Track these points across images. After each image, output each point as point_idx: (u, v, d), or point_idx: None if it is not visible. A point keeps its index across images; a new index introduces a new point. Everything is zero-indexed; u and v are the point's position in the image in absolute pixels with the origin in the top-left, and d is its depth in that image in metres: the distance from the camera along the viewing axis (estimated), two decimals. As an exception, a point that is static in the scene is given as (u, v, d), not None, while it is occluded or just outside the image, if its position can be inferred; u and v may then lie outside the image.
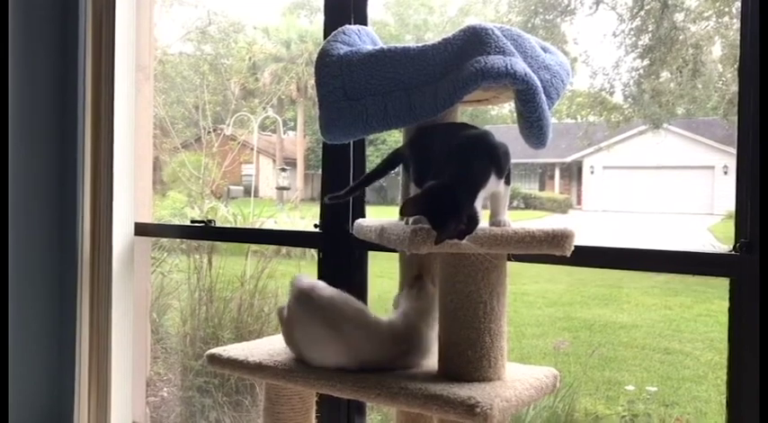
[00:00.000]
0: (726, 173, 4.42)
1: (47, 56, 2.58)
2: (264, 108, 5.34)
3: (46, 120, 2.58)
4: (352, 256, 2.04)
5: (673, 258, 1.64)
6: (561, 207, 5.22)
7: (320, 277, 2.11)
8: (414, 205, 1.19)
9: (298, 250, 3.53)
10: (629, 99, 4.21)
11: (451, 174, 1.18)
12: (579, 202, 5.23)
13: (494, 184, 1.25)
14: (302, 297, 1.41)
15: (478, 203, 1.19)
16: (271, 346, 1.58)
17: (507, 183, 1.32)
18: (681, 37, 3.84)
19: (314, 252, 2.87)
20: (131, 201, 2.50)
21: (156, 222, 2.86)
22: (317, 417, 1.62)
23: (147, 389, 2.68)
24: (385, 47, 1.44)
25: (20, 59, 2.50)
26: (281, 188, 5.73)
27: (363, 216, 2.00)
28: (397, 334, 1.37)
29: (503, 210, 1.34)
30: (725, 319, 1.53)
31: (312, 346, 1.40)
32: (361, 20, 2.01)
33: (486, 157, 1.23)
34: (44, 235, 2.58)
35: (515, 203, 5.05)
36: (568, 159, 5.15)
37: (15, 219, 2.49)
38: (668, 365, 3.42)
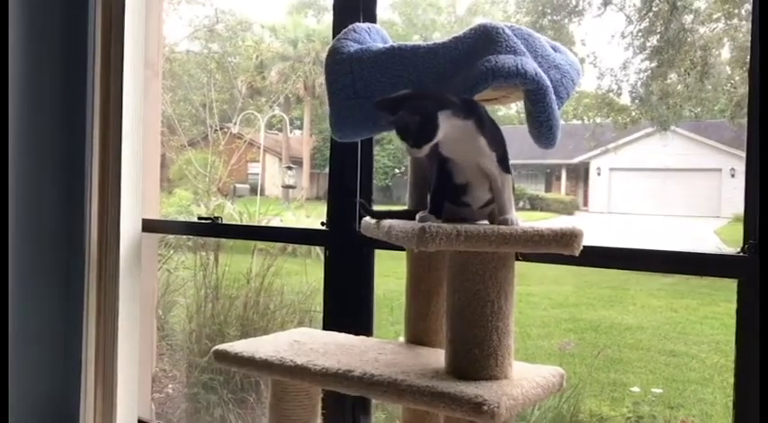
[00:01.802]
0: (733, 176, 4.41)
1: (56, 52, 2.59)
2: (271, 107, 5.35)
3: (54, 116, 2.59)
4: (359, 255, 2.04)
5: (680, 259, 1.64)
6: (567, 208, 5.22)
7: (326, 275, 2.12)
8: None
9: (303, 248, 3.54)
10: (637, 101, 4.20)
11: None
12: (585, 204, 5.22)
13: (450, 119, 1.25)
14: None
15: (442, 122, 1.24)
16: (277, 343, 1.58)
17: (506, 170, 1.31)
18: (689, 39, 3.84)
19: (319, 251, 2.86)
20: (139, 197, 2.50)
21: (163, 219, 2.86)
22: (322, 414, 1.62)
23: (153, 385, 2.69)
24: (395, 44, 1.45)
25: (29, 55, 2.51)
26: (287, 187, 5.74)
27: (370, 214, 2.00)
28: None
29: (508, 206, 1.31)
30: (731, 321, 1.53)
31: None
32: (371, 18, 2.01)
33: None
34: (52, 230, 2.59)
35: (521, 204, 5.04)
36: (575, 161, 5.15)
37: (23, 214, 2.50)
38: (674, 367, 3.41)
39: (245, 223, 3.66)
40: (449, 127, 1.25)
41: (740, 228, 1.52)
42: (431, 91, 1.32)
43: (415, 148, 1.25)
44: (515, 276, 1.33)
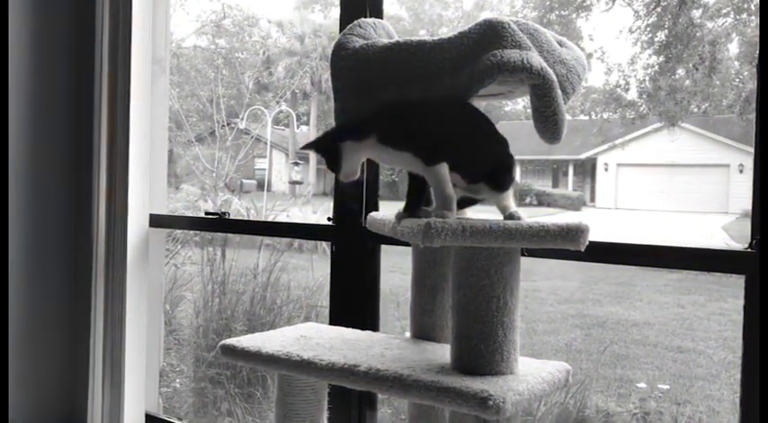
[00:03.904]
0: (741, 171, 4.38)
1: (63, 48, 2.60)
2: (278, 102, 5.35)
3: (62, 112, 2.60)
4: (366, 250, 2.04)
5: (688, 255, 1.63)
6: (574, 204, 5.20)
7: (333, 271, 2.12)
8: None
9: (310, 244, 3.55)
10: (645, 96, 4.19)
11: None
12: (593, 200, 5.21)
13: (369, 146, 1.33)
14: None
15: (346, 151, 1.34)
16: (284, 338, 1.58)
17: (426, 161, 1.29)
18: (698, 34, 3.82)
19: (326, 246, 2.87)
20: (146, 192, 2.51)
21: (170, 214, 2.87)
22: (328, 408, 1.63)
23: (160, 380, 2.71)
24: (401, 40, 1.44)
25: (37, 51, 2.52)
26: (293, 182, 5.75)
27: (376, 210, 2.00)
28: None
29: (438, 199, 1.31)
30: (738, 317, 1.52)
31: None
32: (377, 14, 2.01)
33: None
34: (60, 226, 2.60)
35: (528, 200, 5.03)
36: (582, 156, 5.13)
37: (31, 210, 2.52)
38: (681, 364, 3.41)
39: (251, 219, 3.67)
40: (362, 151, 1.35)
41: (748, 224, 1.52)
42: (337, 125, 1.44)
43: (337, 175, 1.37)
44: (521, 272, 1.33)
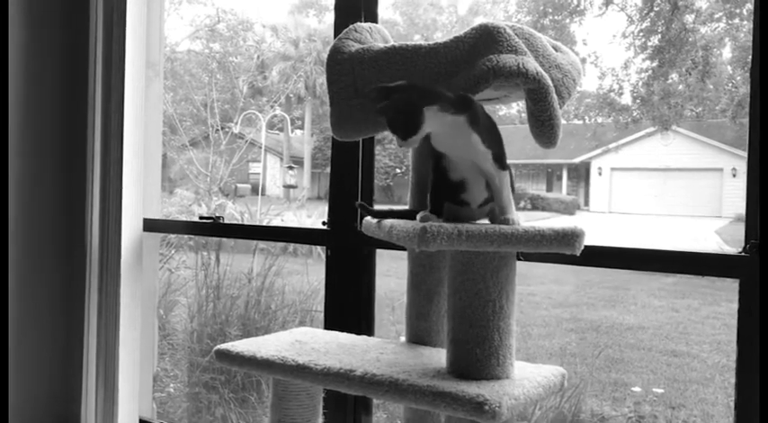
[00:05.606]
0: (734, 175, 4.41)
1: (57, 52, 2.59)
2: (272, 106, 5.36)
3: (56, 116, 2.59)
4: (361, 254, 2.04)
5: (682, 259, 1.63)
6: (568, 208, 5.23)
7: (327, 275, 2.12)
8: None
9: (304, 248, 3.54)
10: (638, 100, 4.21)
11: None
12: (587, 204, 5.23)
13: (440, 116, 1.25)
14: None
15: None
16: (279, 342, 1.58)
17: (502, 167, 1.31)
18: (690, 38, 3.84)
19: (320, 250, 2.87)
20: (140, 197, 2.50)
21: (164, 218, 2.87)
22: (323, 414, 1.62)
23: (154, 385, 2.70)
24: (396, 44, 1.45)
25: (31, 55, 2.52)
26: (288, 186, 5.75)
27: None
28: None
29: (507, 205, 1.31)
30: (732, 321, 1.52)
31: None
32: (372, 18, 2.01)
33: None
34: (53, 230, 2.59)
35: (522, 204, 5.05)
36: (576, 160, 5.15)
37: (24, 214, 2.50)
38: (675, 367, 3.41)
39: (246, 223, 3.66)
40: (437, 122, 1.25)
41: (742, 227, 1.52)
42: (424, 84, 1.32)
43: (401, 140, 1.27)
44: (516, 276, 1.33)
